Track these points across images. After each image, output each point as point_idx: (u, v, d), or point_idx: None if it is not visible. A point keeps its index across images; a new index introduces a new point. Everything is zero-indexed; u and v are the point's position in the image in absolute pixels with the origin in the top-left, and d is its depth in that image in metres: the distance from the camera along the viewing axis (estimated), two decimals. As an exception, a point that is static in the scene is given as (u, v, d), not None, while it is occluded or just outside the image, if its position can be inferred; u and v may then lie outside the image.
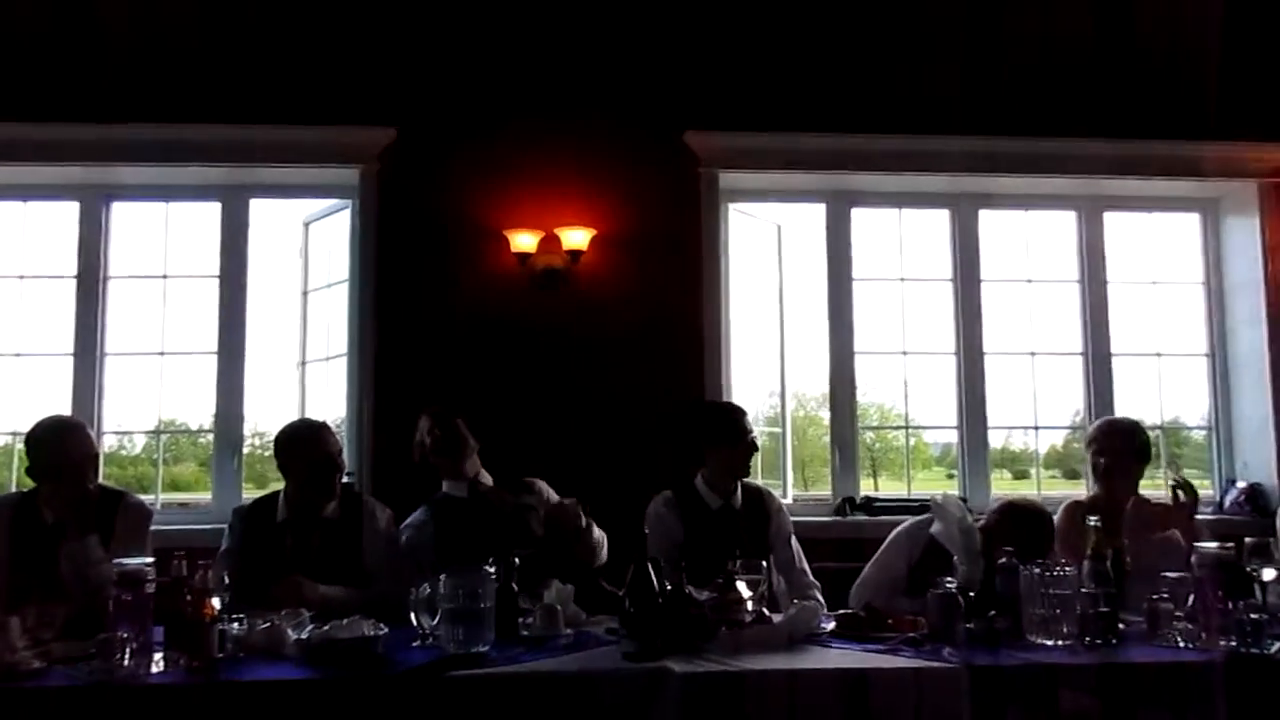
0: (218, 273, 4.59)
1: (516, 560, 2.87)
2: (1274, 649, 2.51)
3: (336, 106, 4.44)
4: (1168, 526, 3.33)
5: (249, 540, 3.32)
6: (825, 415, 5.14)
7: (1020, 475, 5.54)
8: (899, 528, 3.42)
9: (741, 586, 2.80)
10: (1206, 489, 4.93)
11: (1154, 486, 4.56)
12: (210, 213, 4.63)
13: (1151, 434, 4.84)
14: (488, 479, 3.61)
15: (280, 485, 3.46)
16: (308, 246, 4.87)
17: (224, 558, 3.23)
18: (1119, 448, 3.61)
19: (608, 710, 2.35)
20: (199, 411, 4.75)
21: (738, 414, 3.67)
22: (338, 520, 3.38)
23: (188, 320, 4.63)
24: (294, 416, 4.52)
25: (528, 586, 2.97)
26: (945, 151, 4.64)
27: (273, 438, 3.51)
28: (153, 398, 4.65)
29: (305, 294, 4.82)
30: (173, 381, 4.63)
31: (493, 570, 2.66)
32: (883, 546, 3.42)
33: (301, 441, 3.39)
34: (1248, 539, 2.70)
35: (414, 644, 2.66)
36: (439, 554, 3.21)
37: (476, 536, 3.24)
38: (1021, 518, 3.16)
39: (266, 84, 4.42)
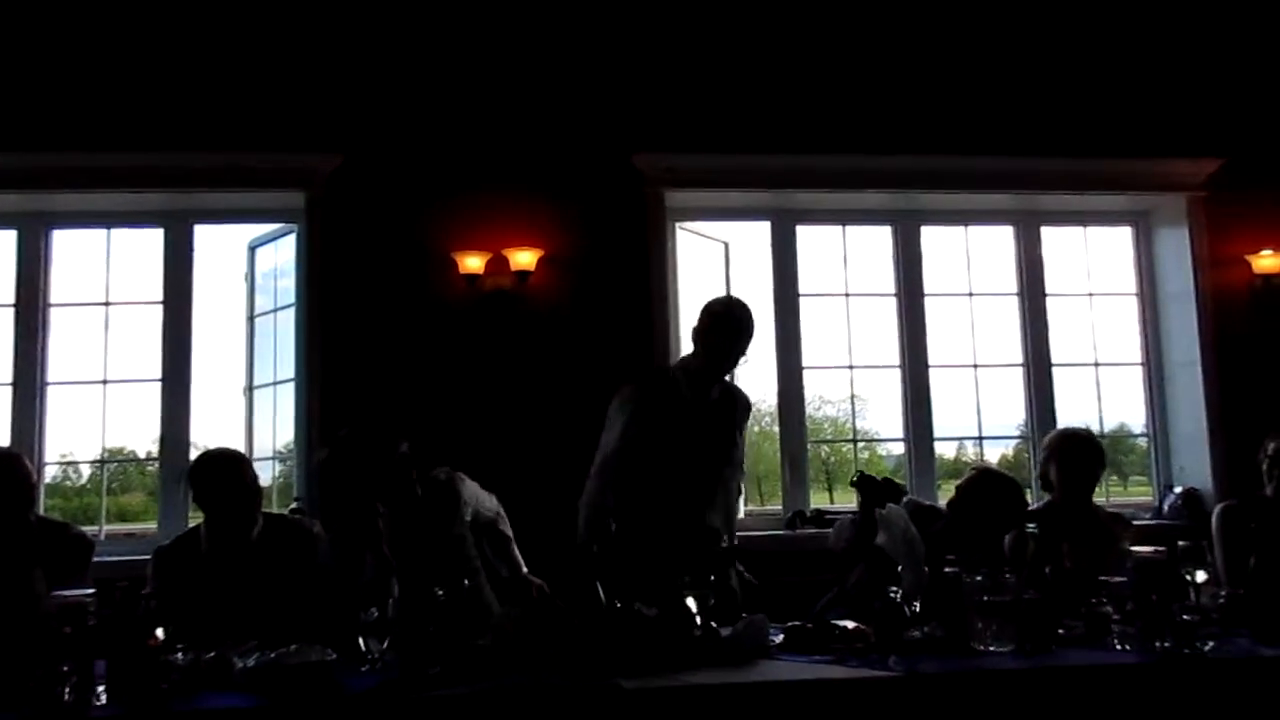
0: (161, 298, 4.54)
1: (466, 583, 2.86)
2: (1207, 648, 2.58)
3: (282, 132, 4.43)
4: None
5: (171, 579, 3.19)
6: (778, 430, 5.20)
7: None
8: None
9: (690, 602, 2.82)
10: (1147, 495, 5.07)
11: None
12: (153, 238, 4.59)
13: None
14: None
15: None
16: (253, 271, 4.84)
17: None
18: (1078, 456, 3.69)
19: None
20: (145, 439, 4.70)
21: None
22: (264, 544, 3.29)
23: (131, 347, 4.58)
24: (240, 442, 4.51)
25: (475, 609, 2.97)
26: (886, 169, 4.75)
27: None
28: (97, 427, 4.60)
29: (251, 319, 4.78)
30: (117, 410, 4.58)
31: (442, 594, 2.66)
32: None
33: (213, 471, 3.28)
34: (1180, 542, 2.78)
35: (362, 668, 2.65)
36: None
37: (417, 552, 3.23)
38: (993, 483, 3.38)
39: (211, 109, 4.41)
